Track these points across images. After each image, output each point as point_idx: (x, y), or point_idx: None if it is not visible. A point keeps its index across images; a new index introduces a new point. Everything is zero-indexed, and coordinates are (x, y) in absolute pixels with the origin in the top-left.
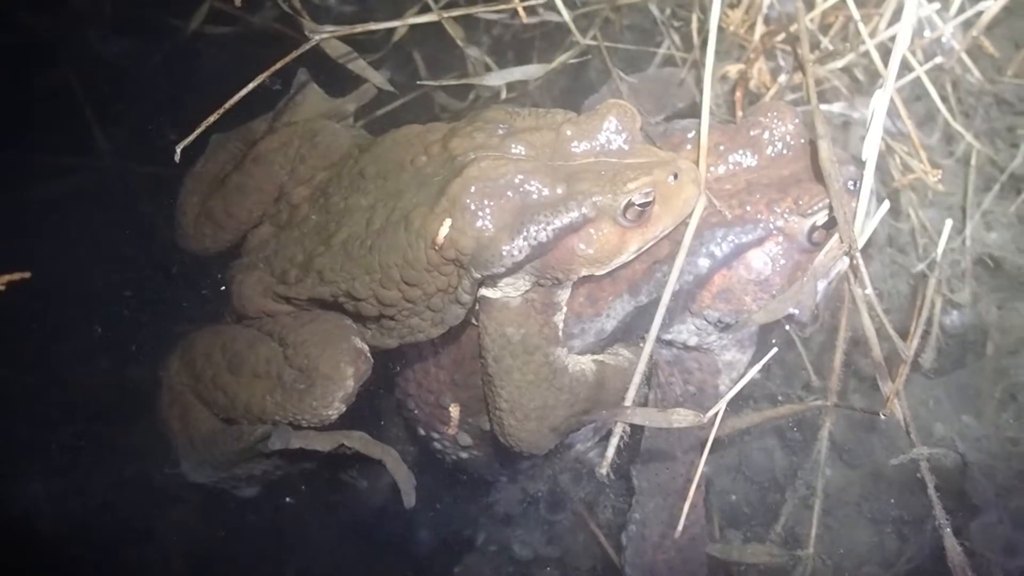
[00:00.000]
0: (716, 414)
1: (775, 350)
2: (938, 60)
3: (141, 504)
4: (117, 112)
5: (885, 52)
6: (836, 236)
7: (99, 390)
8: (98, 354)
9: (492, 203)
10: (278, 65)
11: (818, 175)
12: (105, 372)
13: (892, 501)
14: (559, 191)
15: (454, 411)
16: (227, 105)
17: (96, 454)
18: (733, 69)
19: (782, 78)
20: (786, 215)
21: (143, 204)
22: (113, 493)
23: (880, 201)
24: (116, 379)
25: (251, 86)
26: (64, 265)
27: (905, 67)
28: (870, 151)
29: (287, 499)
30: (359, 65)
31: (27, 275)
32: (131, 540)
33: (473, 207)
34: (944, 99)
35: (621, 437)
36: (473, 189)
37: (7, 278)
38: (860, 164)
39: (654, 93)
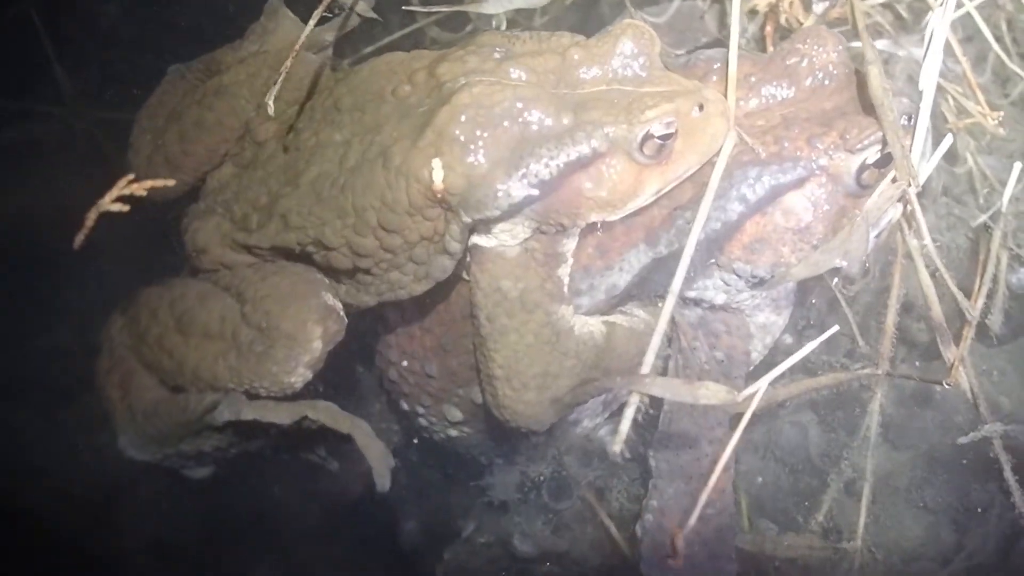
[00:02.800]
0: (753, 394)
1: (836, 328)
2: None
3: (97, 489)
4: (82, 51)
5: None
6: (889, 176)
7: (57, 360)
8: (57, 321)
9: (486, 134)
10: None
11: (867, 108)
12: (64, 341)
13: (948, 487)
14: (565, 121)
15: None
16: None
17: (51, 431)
18: (762, 2)
19: (817, 7)
20: (830, 152)
21: (110, 153)
22: (67, 476)
23: (937, 143)
24: (75, 349)
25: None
26: (23, 221)
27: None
28: (928, 80)
29: (254, 487)
30: None
31: (171, 182)
32: (86, 528)
33: (463, 139)
34: (998, 39)
35: (638, 410)
36: (463, 118)
37: (150, 183)
38: (913, 98)
39: (675, 27)
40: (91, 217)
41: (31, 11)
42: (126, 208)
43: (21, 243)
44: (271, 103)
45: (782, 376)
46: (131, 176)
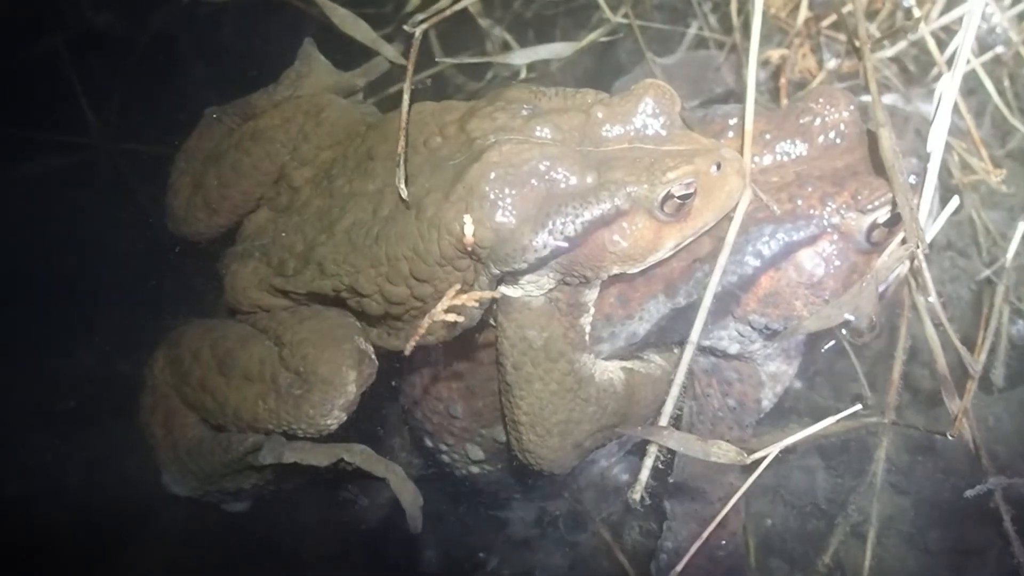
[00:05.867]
0: (763, 457)
1: (858, 407)
2: (998, 50)
3: (119, 510)
4: (108, 85)
5: (938, 42)
6: (898, 237)
7: (80, 386)
8: (81, 348)
9: (514, 192)
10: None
11: (877, 167)
12: (87, 367)
13: (949, 530)
14: (589, 180)
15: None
16: None
17: (75, 456)
18: (775, 54)
19: (830, 64)
20: (842, 211)
21: (134, 186)
22: (89, 497)
23: (944, 199)
24: (98, 375)
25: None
26: (48, 250)
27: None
28: (936, 143)
29: (277, 515)
30: (369, 36)
31: (496, 295)
32: (106, 549)
33: (493, 196)
34: (1000, 93)
35: (657, 458)
36: (493, 175)
37: (478, 295)
38: (921, 156)
39: (689, 76)
40: (424, 325)
41: (59, 44)
42: (460, 318)
43: (45, 272)
44: (403, 185)
45: (791, 423)
46: (458, 286)
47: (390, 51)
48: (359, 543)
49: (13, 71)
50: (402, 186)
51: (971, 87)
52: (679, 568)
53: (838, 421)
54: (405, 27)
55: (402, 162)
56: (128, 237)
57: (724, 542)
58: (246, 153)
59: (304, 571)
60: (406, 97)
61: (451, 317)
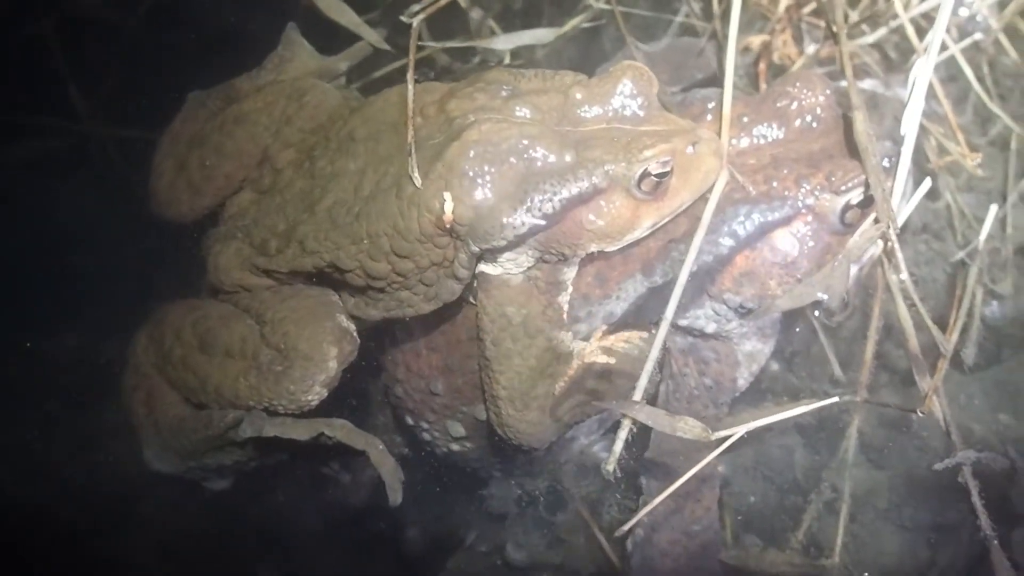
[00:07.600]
0: (726, 437)
1: (834, 399)
2: (977, 37)
3: (106, 493)
4: (97, 69)
5: (918, 29)
6: (871, 217)
7: (65, 367)
8: (66, 331)
9: (493, 169)
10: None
11: (852, 150)
12: (72, 348)
13: (923, 506)
14: (567, 158)
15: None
16: None
17: (60, 437)
18: (756, 40)
19: (809, 49)
20: (817, 192)
21: (122, 170)
22: (76, 480)
23: (917, 182)
24: (83, 356)
25: None
26: (34, 234)
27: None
28: (910, 125)
29: (261, 494)
30: (353, 21)
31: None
32: (93, 531)
33: (472, 174)
34: (980, 80)
35: (630, 431)
36: (472, 154)
37: (627, 335)
38: (897, 140)
39: (671, 63)
40: (573, 367)
41: (47, 28)
42: (612, 360)
43: (32, 255)
44: (416, 174)
45: (766, 401)
46: (605, 327)
47: (373, 36)
48: (341, 520)
49: (1, 54)
50: (415, 174)
51: (952, 74)
52: (637, 518)
53: (809, 404)
54: (402, 17)
55: (413, 150)
56: (115, 220)
57: (699, 517)
58: (229, 136)
59: (287, 548)
60: (410, 87)
61: (603, 359)
